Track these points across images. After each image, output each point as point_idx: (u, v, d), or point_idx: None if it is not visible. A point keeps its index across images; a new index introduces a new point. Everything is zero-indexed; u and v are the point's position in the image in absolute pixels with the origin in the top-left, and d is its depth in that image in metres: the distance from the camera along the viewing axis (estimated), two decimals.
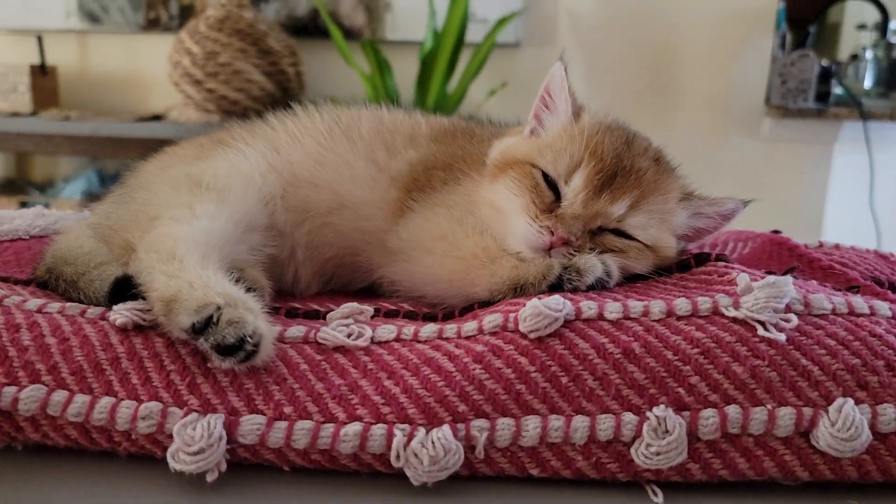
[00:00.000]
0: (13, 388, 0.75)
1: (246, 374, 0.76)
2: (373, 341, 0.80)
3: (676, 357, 0.75)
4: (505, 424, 0.73)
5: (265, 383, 0.75)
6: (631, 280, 0.93)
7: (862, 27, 5.25)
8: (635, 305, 0.80)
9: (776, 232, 1.25)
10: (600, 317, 0.79)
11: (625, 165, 0.92)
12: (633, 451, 0.73)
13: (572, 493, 0.75)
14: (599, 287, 0.87)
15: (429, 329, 0.81)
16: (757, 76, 4.27)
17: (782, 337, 0.75)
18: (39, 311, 0.84)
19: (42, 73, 4.10)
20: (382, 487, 0.74)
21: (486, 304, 0.90)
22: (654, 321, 0.79)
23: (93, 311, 0.84)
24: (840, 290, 0.93)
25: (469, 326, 0.81)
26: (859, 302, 0.81)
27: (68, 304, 0.85)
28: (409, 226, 0.99)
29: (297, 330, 0.82)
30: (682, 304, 0.80)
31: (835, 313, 0.80)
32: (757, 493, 0.75)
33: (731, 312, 0.78)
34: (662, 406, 0.73)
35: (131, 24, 4.32)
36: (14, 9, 4.20)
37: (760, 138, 4.29)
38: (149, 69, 4.37)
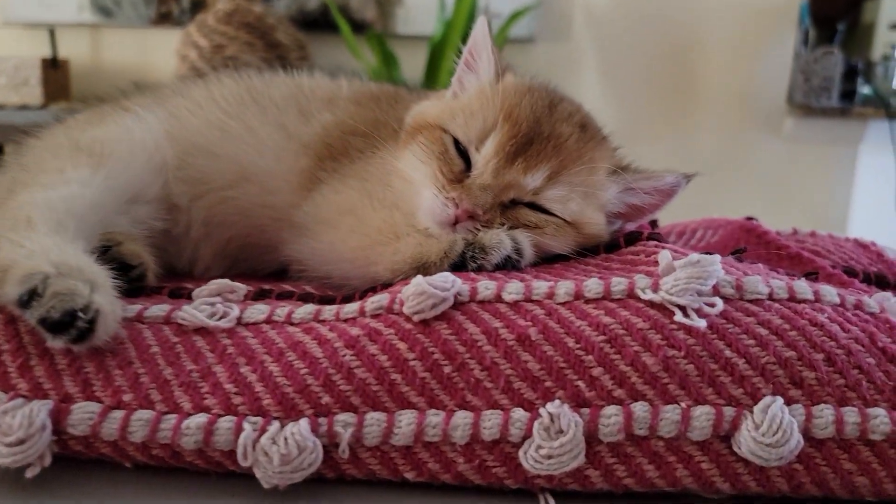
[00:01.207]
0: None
1: (87, 357, 0.67)
2: (239, 322, 0.71)
3: (578, 345, 0.65)
4: (374, 419, 0.63)
5: (107, 367, 0.66)
6: (551, 261, 0.82)
7: (895, 27, 5.06)
8: (539, 286, 0.69)
9: (749, 219, 1.14)
10: (498, 298, 0.69)
11: (543, 131, 0.81)
12: (521, 453, 0.62)
13: (453, 500, 0.64)
14: (510, 267, 0.77)
15: (304, 310, 0.72)
16: (779, 74, 4.12)
17: (702, 323, 0.64)
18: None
19: (54, 67, 4.09)
20: (234, 489, 0.64)
21: (388, 286, 0.81)
22: (558, 304, 0.68)
23: None
24: (794, 275, 0.82)
25: (350, 308, 0.71)
26: (802, 286, 0.70)
27: None
28: (318, 198, 0.90)
29: (159, 309, 0.73)
30: (592, 286, 0.69)
31: (772, 298, 0.69)
32: None
33: (648, 295, 0.67)
34: (557, 401, 0.63)
35: (143, 18, 4.29)
36: (28, 3, 4.21)
37: (782, 138, 4.13)
38: (159, 63, 4.35)
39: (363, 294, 0.81)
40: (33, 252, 0.68)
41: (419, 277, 0.67)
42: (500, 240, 0.76)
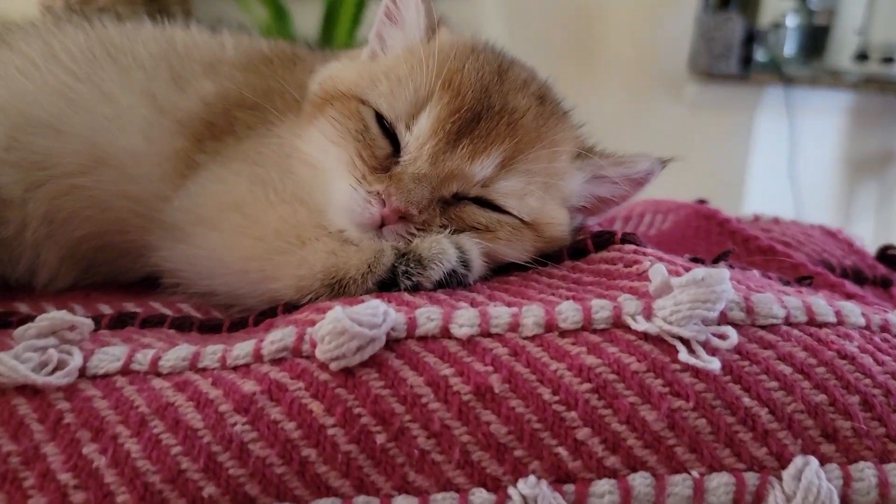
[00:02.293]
0: None
1: None
2: (83, 375, 0.50)
3: (556, 397, 0.48)
4: None
5: None
6: (503, 272, 0.65)
7: None
8: (499, 315, 0.52)
9: (702, 202, 1.00)
10: (445, 333, 0.51)
11: (493, 104, 0.64)
12: None
13: None
14: (454, 283, 0.59)
15: (176, 354, 0.52)
16: (681, 39, 4.10)
17: (716, 364, 0.49)
18: None
19: None
20: None
21: (292, 307, 0.62)
22: (525, 339, 0.51)
23: None
24: (788, 282, 0.68)
25: (241, 350, 0.52)
26: (822, 306, 0.56)
27: None
28: (193, 190, 0.69)
29: None
30: (568, 313, 0.52)
31: (789, 323, 0.54)
32: None
33: (641, 325, 0.51)
34: (532, 477, 0.46)
35: None
36: None
37: (683, 103, 4.12)
38: (17, 16, 3.87)
39: (259, 317, 0.62)
40: None
41: (337, 311, 0.49)
42: (441, 248, 0.58)
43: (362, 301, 0.54)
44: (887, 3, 4.22)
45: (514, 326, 0.52)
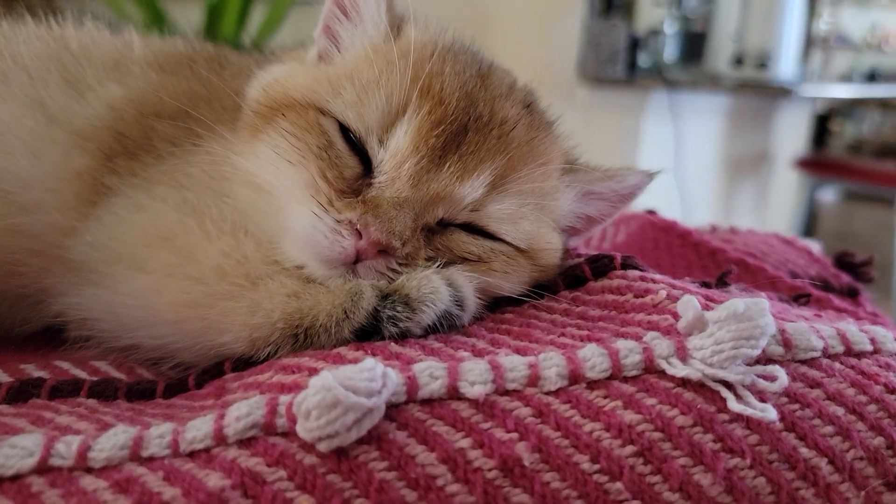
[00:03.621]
0: None
1: None
2: None
3: (597, 466, 0.40)
4: None
5: None
6: (494, 308, 0.56)
7: (658, 4, 5.33)
8: (514, 365, 0.43)
9: (651, 212, 0.95)
10: (453, 393, 0.42)
11: (481, 114, 0.55)
12: None
13: None
14: (446, 327, 0.50)
15: (111, 441, 0.40)
16: (569, 45, 4.17)
17: (773, 414, 0.42)
18: None
19: None
20: None
21: (245, 362, 0.51)
22: (548, 394, 0.43)
23: None
24: (784, 299, 0.63)
25: (197, 430, 0.40)
26: (854, 332, 0.50)
27: None
28: (107, 221, 0.56)
29: None
30: (595, 360, 0.44)
31: (828, 355, 0.48)
32: None
33: (679, 370, 0.44)
34: None
35: None
36: None
37: (575, 107, 4.19)
38: None
39: (201, 377, 0.51)
40: None
41: (325, 377, 0.39)
42: (432, 287, 0.48)
43: (352, 360, 0.44)
44: (760, 10, 4.44)
45: (534, 380, 0.43)
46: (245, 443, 0.40)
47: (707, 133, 4.59)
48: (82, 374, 0.53)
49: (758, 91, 4.40)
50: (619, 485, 0.40)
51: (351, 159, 0.53)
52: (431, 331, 0.49)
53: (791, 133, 5.32)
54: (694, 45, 5.03)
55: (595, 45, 4.10)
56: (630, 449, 0.41)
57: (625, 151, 4.19)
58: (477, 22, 4.09)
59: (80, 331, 0.57)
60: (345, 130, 0.54)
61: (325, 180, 0.52)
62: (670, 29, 5.02)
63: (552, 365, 0.44)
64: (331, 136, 0.54)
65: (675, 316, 0.48)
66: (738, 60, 4.49)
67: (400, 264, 0.51)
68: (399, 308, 0.48)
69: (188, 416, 0.44)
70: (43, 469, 0.38)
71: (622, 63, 4.08)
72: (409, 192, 0.51)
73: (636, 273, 0.55)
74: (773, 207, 5.20)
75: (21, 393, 0.49)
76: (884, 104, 8.23)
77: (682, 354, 0.45)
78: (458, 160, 0.52)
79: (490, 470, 0.39)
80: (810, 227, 5.45)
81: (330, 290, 0.49)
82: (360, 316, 0.48)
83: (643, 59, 4.36)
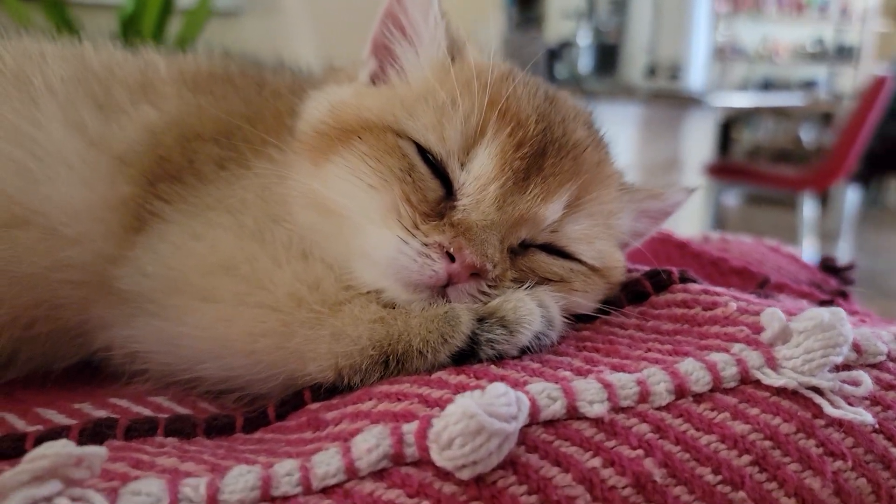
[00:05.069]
0: None
1: None
2: None
3: (719, 477, 0.41)
4: None
5: None
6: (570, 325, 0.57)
7: (567, 16, 5.50)
8: (623, 383, 0.44)
9: None
10: (573, 413, 0.42)
11: (556, 137, 0.55)
12: None
13: None
14: (536, 348, 0.50)
15: (241, 482, 0.38)
16: (488, 58, 4.22)
17: (870, 417, 0.44)
18: None
19: None
20: None
21: (327, 389, 0.50)
22: (659, 409, 0.44)
23: None
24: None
25: (326, 465, 0.39)
26: None
27: None
28: (161, 249, 0.54)
29: None
30: (697, 374, 0.46)
31: (892, 358, 0.51)
32: None
33: (775, 379, 0.46)
34: None
35: None
36: None
37: None
38: None
39: (281, 408, 0.49)
40: None
41: (467, 404, 0.38)
42: (529, 309, 0.48)
43: (456, 385, 0.44)
44: (670, 23, 4.64)
45: (645, 396, 0.44)
46: (378, 475, 0.39)
47: (622, 141, 4.74)
48: (146, 412, 0.51)
49: (670, 101, 4.59)
50: (742, 494, 0.41)
51: (433, 182, 0.53)
52: (525, 353, 0.49)
53: (699, 140, 5.56)
54: (607, 56, 5.22)
55: (515, 58, 4.17)
56: (746, 458, 0.42)
57: None
58: None
59: (132, 364, 0.54)
60: (423, 152, 0.53)
61: (408, 203, 0.51)
62: (583, 41, 5.19)
63: (659, 381, 0.45)
64: (411, 159, 0.53)
65: (751, 327, 0.50)
66: (651, 71, 4.68)
67: (489, 286, 0.51)
68: (498, 330, 0.48)
69: (292, 450, 0.43)
70: None
71: (541, 75, 4.17)
72: (495, 214, 0.51)
73: (697, 287, 0.57)
74: (683, 211, 5.40)
75: (96, 435, 0.46)
76: (777, 112, 8.71)
77: (773, 364, 0.47)
78: (541, 182, 0.53)
79: (624, 487, 0.40)
80: (718, 229, 5.72)
81: (420, 315, 0.49)
82: (458, 339, 0.47)
83: (559, 71, 4.47)
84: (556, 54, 4.38)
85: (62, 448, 0.36)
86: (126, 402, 0.52)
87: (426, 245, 0.50)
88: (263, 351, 0.50)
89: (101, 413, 0.51)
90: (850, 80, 9.62)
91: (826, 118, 8.71)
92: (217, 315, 0.51)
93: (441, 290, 0.50)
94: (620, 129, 4.65)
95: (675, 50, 4.55)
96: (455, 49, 0.60)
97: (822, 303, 0.70)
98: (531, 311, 0.49)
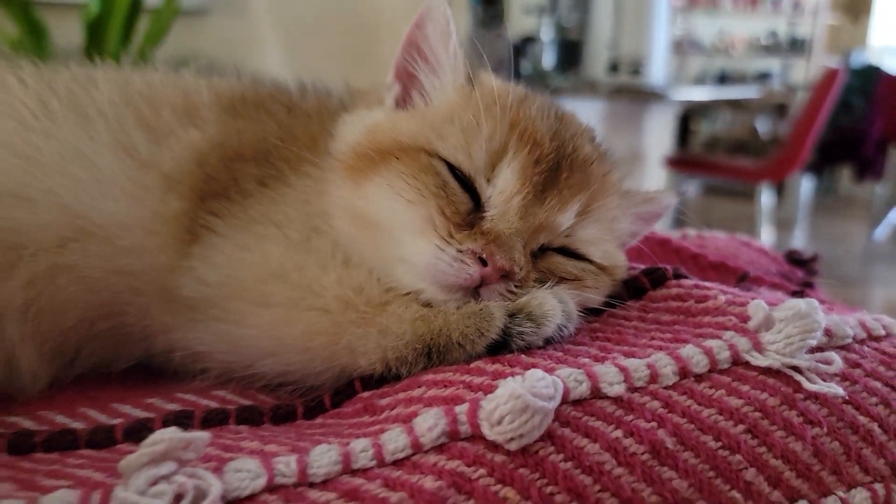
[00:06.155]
0: None
1: None
2: (227, 501, 0.42)
3: (719, 443, 0.49)
4: None
5: None
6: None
7: (528, 12, 5.58)
8: (636, 367, 0.52)
9: None
10: (596, 393, 0.50)
11: (568, 153, 0.63)
12: None
13: None
14: (556, 339, 0.58)
15: (325, 459, 0.45)
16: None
17: (841, 391, 0.53)
18: None
19: None
20: None
21: (375, 380, 0.57)
22: (667, 388, 0.52)
23: None
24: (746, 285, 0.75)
25: (395, 442, 0.47)
26: (870, 320, 0.63)
27: None
28: (217, 260, 0.60)
29: (58, 499, 0.41)
30: (696, 357, 0.54)
31: (858, 341, 0.60)
32: None
33: (759, 360, 0.54)
34: None
35: None
36: None
37: None
38: None
39: (337, 396, 0.56)
40: None
41: (513, 386, 0.46)
42: (552, 304, 0.56)
43: (493, 373, 0.51)
44: (631, 19, 4.74)
45: (655, 377, 0.52)
46: (438, 449, 0.46)
47: None
48: (213, 404, 0.57)
49: (632, 96, 4.70)
50: (738, 457, 0.49)
51: (463, 196, 0.60)
52: (548, 343, 0.57)
53: (660, 134, 5.69)
54: (570, 52, 5.32)
55: (480, 55, 4.23)
56: (741, 427, 0.50)
57: None
58: (364, 36, 4.15)
59: (194, 364, 0.61)
60: (453, 170, 0.61)
61: (443, 216, 0.58)
62: (546, 36, 5.27)
63: (665, 364, 0.53)
64: (444, 176, 0.60)
65: (738, 317, 0.59)
66: (614, 67, 4.79)
67: (516, 286, 0.58)
68: (527, 324, 0.55)
69: (354, 432, 0.50)
70: (272, 488, 0.43)
71: (507, 72, 4.24)
72: (518, 223, 0.59)
73: (689, 282, 0.65)
74: None
75: (177, 425, 0.52)
76: (734, 104, 8.90)
77: (759, 348, 0.55)
78: (556, 194, 0.60)
79: (643, 454, 0.47)
80: (678, 219, 5.86)
81: (457, 312, 0.56)
82: (493, 332, 0.55)
83: (524, 67, 4.54)
84: (519, 50, 4.45)
85: (174, 434, 0.43)
86: (193, 396, 0.59)
87: (460, 252, 0.57)
88: (318, 348, 0.57)
89: (172, 406, 0.57)
90: (802, 72, 9.84)
91: (780, 109, 8.91)
92: (274, 318, 0.58)
93: (474, 290, 0.57)
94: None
95: (636, 46, 4.66)
96: (473, 74, 0.67)
97: (795, 293, 0.79)
98: (553, 306, 0.56)
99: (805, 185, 8.14)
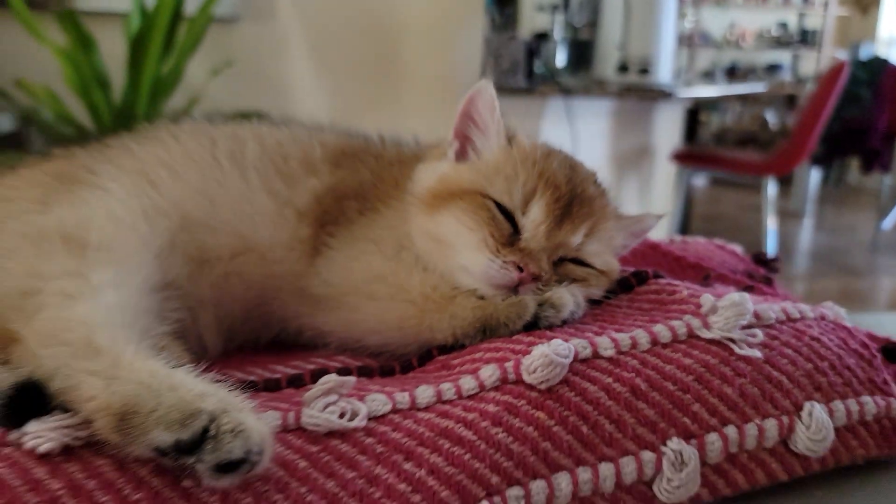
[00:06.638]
0: None
1: (238, 489, 0.61)
2: (369, 418, 0.70)
3: (677, 387, 0.76)
4: (539, 487, 0.68)
5: (265, 494, 0.62)
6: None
7: (541, 9, 5.80)
8: (622, 339, 0.79)
9: None
10: (596, 355, 0.77)
11: (578, 193, 0.90)
12: (655, 488, 0.72)
13: None
14: (570, 320, 0.85)
15: (425, 394, 0.73)
16: (472, 57, 4.50)
17: (758, 354, 0.80)
18: None
19: None
20: None
21: (446, 349, 0.84)
22: (644, 353, 0.79)
23: None
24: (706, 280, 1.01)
25: (468, 384, 0.74)
26: (791, 308, 0.89)
27: None
28: (335, 267, 0.88)
29: (270, 416, 0.68)
30: (662, 332, 0.81)
31: (779, 322, 0.86)
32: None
33: (706, 334, 0.81)
34: (676, 439, 0.74)
35: None
36: None
37: None
38: None
39: (421, 360, 0.84)
40: (153, 385, 0.60)
41: (545, 348, 0.73)
42: (567, 297, 0.83)
43: (528, 342, 0.78)
44: (640, 20, 4.95)
45: (635, 345, 0.79)
46: (495, 389, 0.73)
47: (597, 133, 5.05)
48: (338, 365, 0.85)
49: (640, 94, 4.93)
50: (689, 396, 0.76)
51: (506, 225, 0.87)
52: (564, 323, 0.84)
53: (668, 129, 5.89)
54: (582, 52, 5.55)
55: (496, 57, 4.48)
56: (691, 377, 0.77)
57: None
58: (385, 32, 4.36)
59: (320, 339, 0.88)
60: (498, 206, 0.87)
61: (492, 238, 0.85)
62: (558, 34, 5.50)
63: (642, 336, 0.80)
64: (492, 211, 0.87)
65: (694, 305, 0.85)
66: (623, 68, 5.01)
67: (543, 285, 0.85)
68: (549, 311, 0.82)
69: (440, 379, 0.77)
70: (395, 410, 0.70)
71: (522, 73, 4.48)
72: (545, 243, 0.86)
73: (664, 281, 0.92)
74: (656, 196, 5.77)
75: (322, 374, 0.80)
76: (743, 97, 9.03)
77: (707, 326, 0.82)
78: (570, 222, 0.87)
79: (625, 393, 0.74)
80: (688, 211, 6.08)
81: (506, 303, 0.83)
82: (528, 315, 0.81)
83: (537, 66, 4.76)
84: (533, 52, 4.67)
85: (334, 377, 0.70)
86: (322, 360, 0.86)
87: (505, 262, 0.84)
88: (408, 328, 0.84)
89: (310, 366, 0.84)
90: (812, 64, 9.91)
91: (790, 101, 9.03)
92: (377, 308, 0.85)
93: (514, 289, 0.84)
94: (594, 122, 4.96)
95: (644, 46, 4.88)
96: (511, 136, 0.94)
97: (746, 288, 1.05)
98: (568, 298, 0.83)
99: (814, 177, 8.27)
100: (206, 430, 0.57)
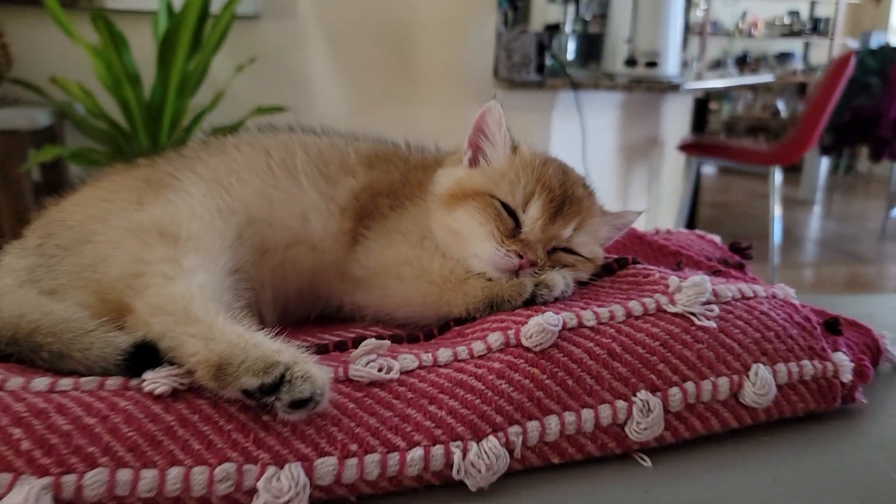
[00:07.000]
0: (72, 476, 0.73)
1: (304, 422, 0.81)
2: (401, 372, 0.89)
3: (645, 350, 0.95)
4: (533, 427, 0.88)
5: (324, 427, 0.81)
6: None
7: (553, 0, 5.94)
8: (602, 312, 0.98)
9: None
10: (580, 325, 0.96)
11: (568, 194, 1.09)
12: (627, 429, 0.91)
13: (582, 470, 0.91)
14: (562, 298, 1.04)
15: (445, 354, 0.92)
16: (485, 51, 4.67)
17: (713, 325, 0.98)
18: (52, 390, 0.80)
19: None
20: (437, 497, 0.85)
21: (460, 321, 1.03)
22: (619, 323, 0.97)
23: (112, 383, 0.82)
24: (708, 273, 1.20)
25: (478, 347, 0.93)
26: (746, 287, 1.08)
27: (82, 379, 0.82)
28: (370, 254, 1.07)
29: (327, 369, 0.88)
30: (635, 307, 1.00)
31: (734, 299, 1.05)
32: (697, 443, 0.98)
33: (672, 309, 1.00)
34: (644, 391, 0.93)
35: None
36: None
37: None
38: None
39: (441, 330, 1.03)
40: (239, 343, 0.80)
41: (538, 319, 0.92)
42: (558, 279, 1.02)
43: (527, 315, 0.97)
44: (647, 15, 5.09)
45: (612, 317, 0.98)
46: (501, 350, 0.92)
47: (606, 125, 5.20)
48: (372, 334, 1.04)
49: (648, 87, 5.08)
50: (655, 357, 0.94)
51: (509, 220, 1.06)
52: (556, 300, 1.03)
53: (676, 120, 6.01)
54: (591, 46, 5.70)
55: (508, 52, 4.64)
56: (657, 343, 0.96)
57: (539, 145, 4.76)
58: (399, 29, 4.54)
59: (358, 313, 1.08)
60: (503, 205, 1.07)
61: (498, 231, 1.05)
62: (569, 26, 5.64)
63: (619, 310, 0.99)
64: (498, 209, 1.06)
65: (664, 285, 1.04)
66: (631, 61, 5.16)
67: (539, 270, 1.04)
68: (544, 290, 1.01)
69: (456, 343, 0.96)
70: (422, 367, 0.90)
71: (533, 67, 4.64)
72: (541, 235, 1.05)
73: (640, 266, 1.11)
74: (664, 185, 5.92)
75: (361, 341, 0.99)
76: (754, 86, 9.11)
77: (673, 302, 1.00)
78: (562, 218, 1.06)
79: (604, 354, 0.93)
80: (695, 200, 6.22)
81: (509, 284, 1.02)
82: (527, 294, 1.01)
83: (549, 60, 4.92)
84: (544, 45, 4.83)
85: (372, 341, 0.90)
86: (360, 330, 1.06)
87: (508, 251, 1.03)
88: (430, 304, 1.03)
89: (350, 335, 1.04)
90: (824, 52, 9.94)
91: (802, 89, 9.10)
92: (405, 287, 1.04)
93: (515, 273, 1.04)
94: (604, 115, 5.11)
95: (652, 40, 5.01)
96: (515, 147, 1.13)
97: (715, 272, 1.24)
98: (559, 280, 1.02)
99: (823, 165, 8.34)
100: (282, 376, 0.77)
